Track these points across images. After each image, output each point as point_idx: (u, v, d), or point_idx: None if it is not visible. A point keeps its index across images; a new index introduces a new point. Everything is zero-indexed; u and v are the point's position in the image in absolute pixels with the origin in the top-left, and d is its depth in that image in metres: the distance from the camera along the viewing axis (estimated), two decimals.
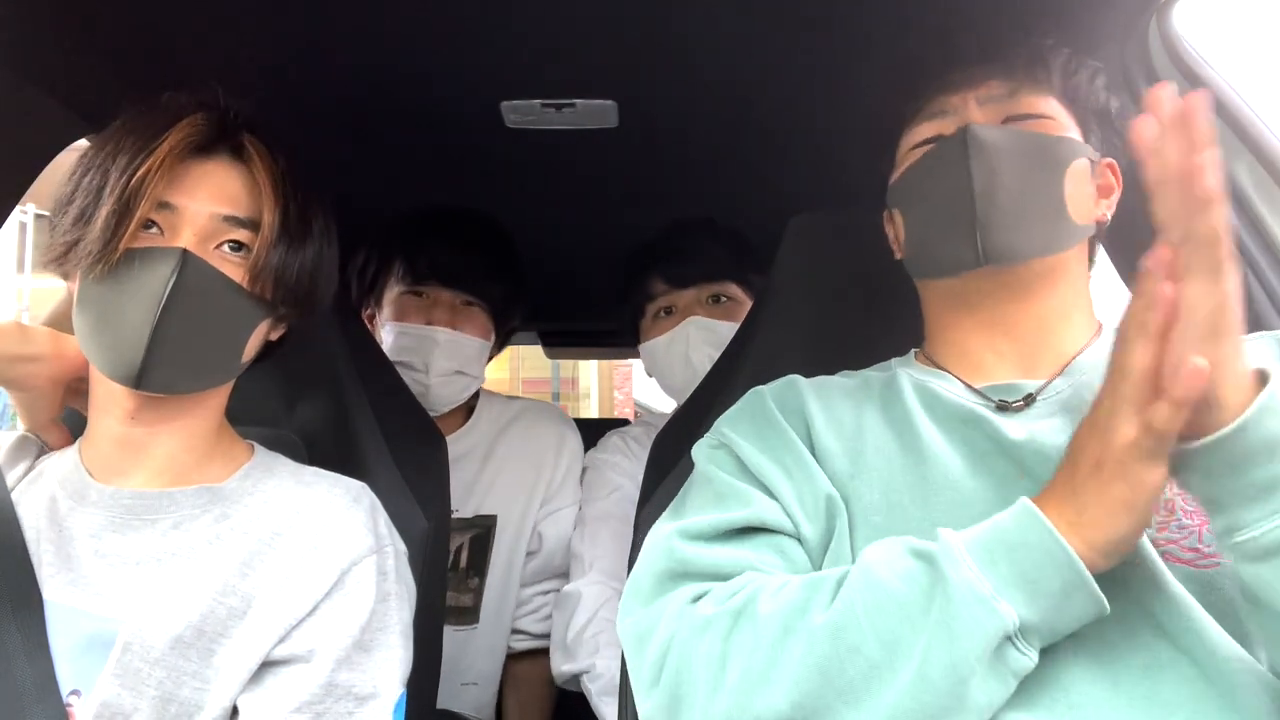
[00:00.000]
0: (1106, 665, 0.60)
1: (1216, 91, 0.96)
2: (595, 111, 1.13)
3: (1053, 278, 0.76)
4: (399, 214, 1.38)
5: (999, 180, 0.73)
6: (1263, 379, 0.55)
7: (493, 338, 1.39)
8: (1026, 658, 0.57)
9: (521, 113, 1.13)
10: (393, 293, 1.35)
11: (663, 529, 0.74)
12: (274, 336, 0.85)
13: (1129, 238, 0.96)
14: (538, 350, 2.74)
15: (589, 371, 7.96)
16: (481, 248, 1.35)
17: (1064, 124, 0.78)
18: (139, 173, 0.72)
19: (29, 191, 1.01)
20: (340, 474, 0.86)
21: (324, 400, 1.03)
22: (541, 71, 1.06)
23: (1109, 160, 0.82)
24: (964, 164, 0.73)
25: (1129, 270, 1.08)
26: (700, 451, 0.82)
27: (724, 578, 0.69)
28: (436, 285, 1.33)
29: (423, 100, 1.13)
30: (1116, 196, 0.83)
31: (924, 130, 0.82)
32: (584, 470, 1.46)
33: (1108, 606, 0.57)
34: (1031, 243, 0.74)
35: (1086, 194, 0.77)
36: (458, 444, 1.37)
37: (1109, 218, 0.82)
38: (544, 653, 1.38)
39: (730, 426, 0.81)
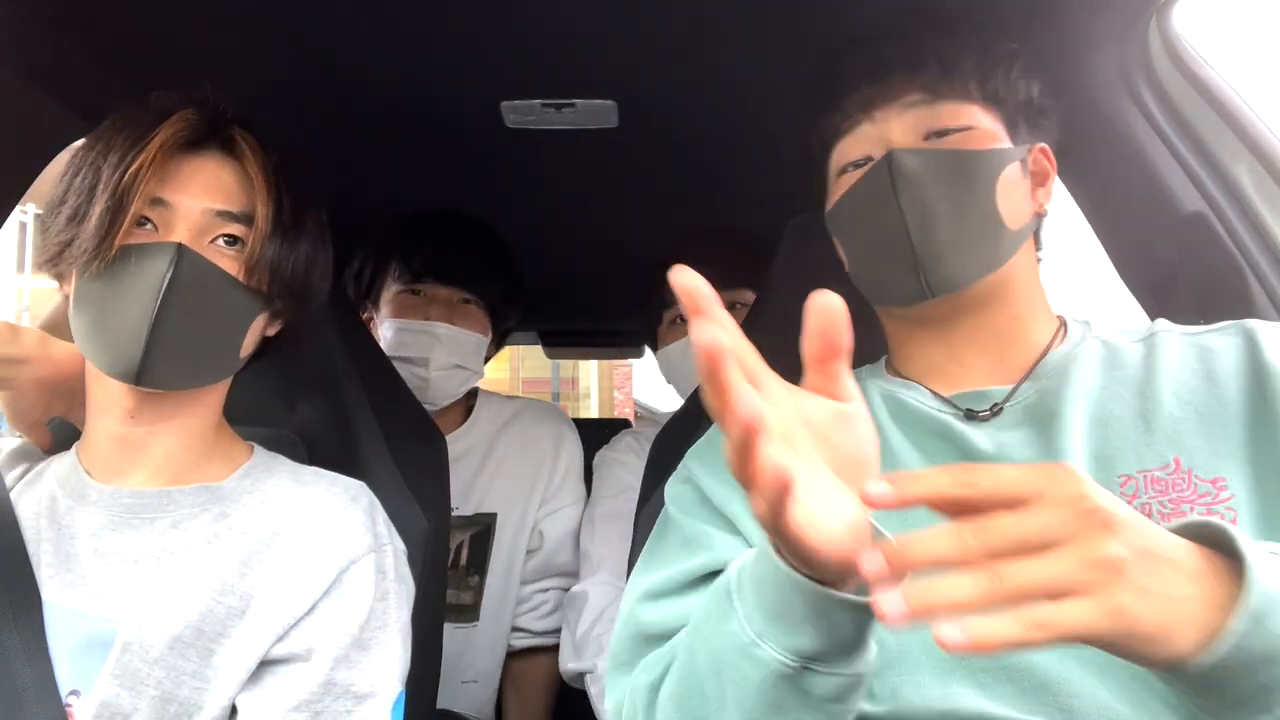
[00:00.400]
0: (1101, 667, 0.60)
1: (1216, 91, 0.96)
2: (595, 111, 1.13)
3: (1003, 287, 0.75)
4: (399, 214, 1.38)
5: (931, 212, 0.72)
6: (1232, 562, 0.44)
7: (490, 335, 1.40)
8: (836, 677, 0.52)
9: (521, 113, 1.13)
10: (390, 292, 1.36)
11: (631, 589, 0.75)
12: (271, 332, 0.85)
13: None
14: (538, 350, 2.73)
15: (589, 371, 7.97)
16: (479, 247, 1.37)
17: (988, 131, 0.76)
18: (131, 169, 0.72)
19: (29, 191, 1.01)
20: (340, 474, 0.86)
21: (324, 400, 1.03)
22: (541, 71, 1.06)
23: (1041, 145, 0.80)
24: (893, 199, 0.72)
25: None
26: (670, 489, 0.82)
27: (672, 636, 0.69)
28: (433, 283, 1.34)
29: (422, 100, 1.13)
30: (1054, 180, 0.81)
31: (849, 148, 0.80)
32: (595, 468, 1.47)
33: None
34: (974, 266, 0.73)
35: (1021, 197, 0.76)
36: (457, 443, 1.37)
37: (1046, 207, 0.81)
38: (544, 650, 1.39)
39: (695, 460, 0.82)
